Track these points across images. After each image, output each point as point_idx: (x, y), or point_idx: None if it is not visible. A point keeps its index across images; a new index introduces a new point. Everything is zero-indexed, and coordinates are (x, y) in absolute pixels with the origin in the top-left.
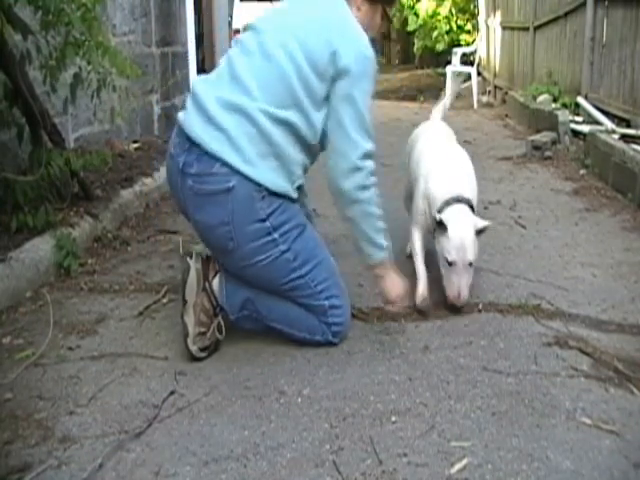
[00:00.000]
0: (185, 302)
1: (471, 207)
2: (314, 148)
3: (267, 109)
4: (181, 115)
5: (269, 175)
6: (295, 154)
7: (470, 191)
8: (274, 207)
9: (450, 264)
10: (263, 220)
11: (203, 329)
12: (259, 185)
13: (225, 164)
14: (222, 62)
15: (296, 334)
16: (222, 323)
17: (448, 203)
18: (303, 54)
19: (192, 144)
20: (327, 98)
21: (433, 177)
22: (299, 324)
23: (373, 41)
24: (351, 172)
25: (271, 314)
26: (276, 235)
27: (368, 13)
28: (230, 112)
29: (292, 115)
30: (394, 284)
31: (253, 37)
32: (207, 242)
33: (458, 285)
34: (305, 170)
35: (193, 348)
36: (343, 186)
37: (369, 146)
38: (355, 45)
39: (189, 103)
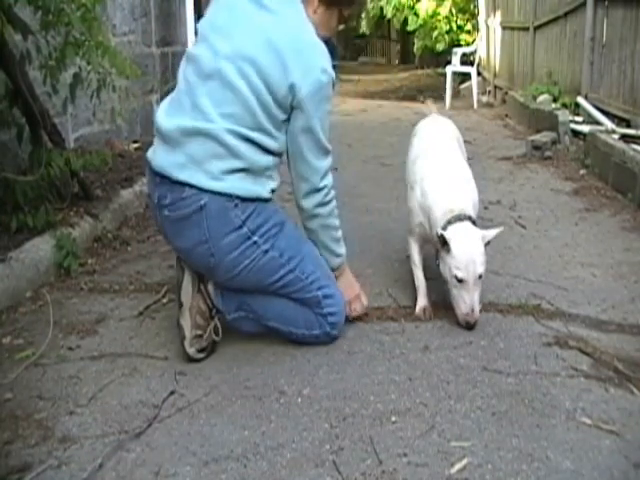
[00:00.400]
0: (181, 305)
1: (473, 222)
2: (283, 151)
3: (232, 128)
4: (149, 152)
5: (238, 184)
6: (263, 160)
7: (472, 203)
8: (249, 212)
9: (460, 281)
10: (240, 227)
11: (200, 332)
12: (230, 196)
13: (193, 186)
14: (180, 83)
15: (294, 331)
16: (219, 325)
17: (450, 222)
18: (265, 87)
19: (162, 177)
20: (287, 120)
21: (431, 190)
22: (296, 320)
23: (327, 42)
24: (312, 193)
25: (267, 313)
26: (256, 238)
27: (324, 16)
28: (193, 137)
29: (256, 135)
30: (349, 286)
31: (209, 58)
32: (190, 264)
33: (471, 302)
34: (275, 167)
35: (190, 350)
36: (304, 205)
37: (328, 163)
38: (311, 74)
39: (155, 138)
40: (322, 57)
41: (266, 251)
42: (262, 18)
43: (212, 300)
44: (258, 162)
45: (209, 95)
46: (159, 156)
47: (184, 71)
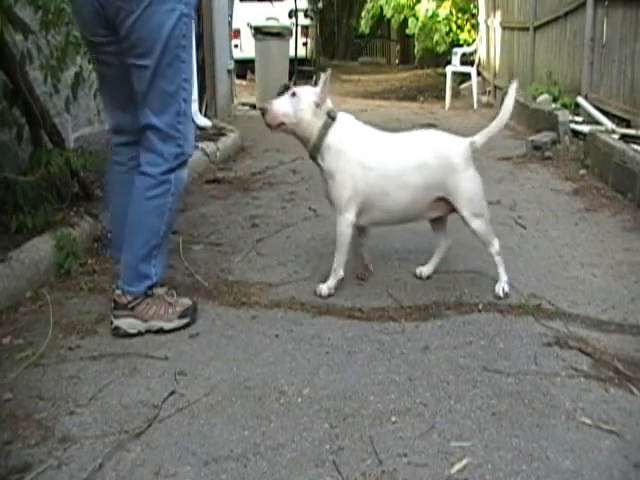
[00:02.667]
0: (127, 334)
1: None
2: None
3: None
4: None
5: None
6: None
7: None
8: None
9: None
10: None
11: (159, 323)
12: None
13: None
14: None
15: (166, 196)
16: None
17: None
18: None
19: None
20: None
21: None
22: (154, 180)
23: None
24: None
25: (141, 223)
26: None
27: None
28: None
29: None
30: None
31: None
32: None
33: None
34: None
35: (172, 324)
36: None
37: None
38: None
39: None
40: None
41: (182, 30)
42: None
43: (126, 304)
44: None
45: None
46: None
47: None
